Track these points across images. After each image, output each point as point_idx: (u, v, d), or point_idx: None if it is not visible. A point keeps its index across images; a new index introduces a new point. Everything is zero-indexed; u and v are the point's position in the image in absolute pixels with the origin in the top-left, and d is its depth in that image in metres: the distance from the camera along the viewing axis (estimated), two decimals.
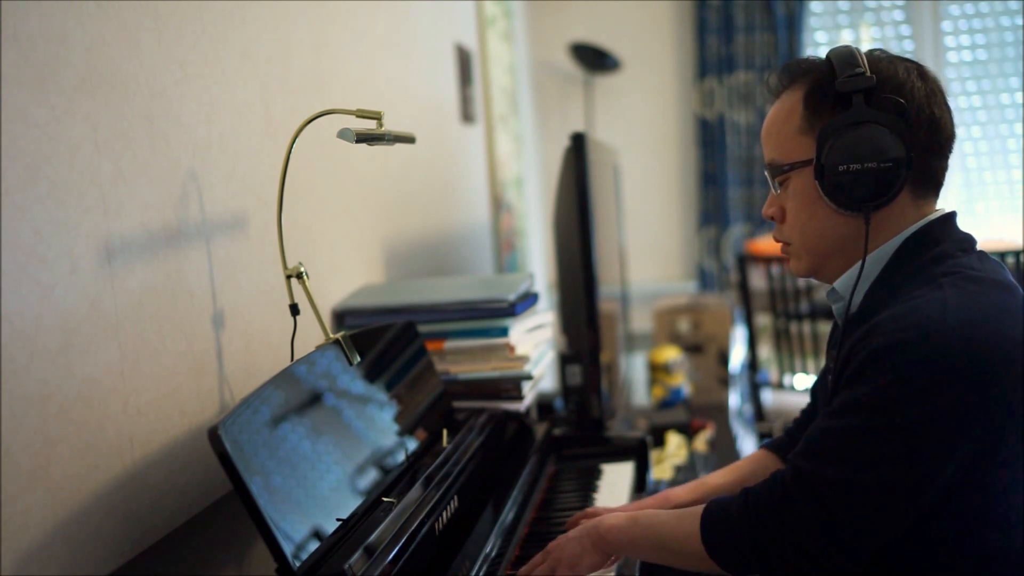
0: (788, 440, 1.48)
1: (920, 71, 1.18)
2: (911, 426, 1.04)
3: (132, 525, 1.16)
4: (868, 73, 1.15)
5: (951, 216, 1.20)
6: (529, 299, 1.85)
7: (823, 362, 1.41)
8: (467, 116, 2.99)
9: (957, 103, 4.20)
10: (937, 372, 1.04)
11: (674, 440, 2.31)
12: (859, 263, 1.18)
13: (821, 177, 1.15)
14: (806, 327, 3.19)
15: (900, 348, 1.05)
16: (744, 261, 3.38)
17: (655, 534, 1.20)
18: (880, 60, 1.18)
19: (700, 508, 1.18)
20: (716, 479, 1.48)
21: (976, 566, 1.10)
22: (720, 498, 1.17)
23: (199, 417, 1.32)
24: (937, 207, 1.22)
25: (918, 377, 1.04)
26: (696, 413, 2.67)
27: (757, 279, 3.41)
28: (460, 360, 1.73)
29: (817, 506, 1.07)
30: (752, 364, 3.41)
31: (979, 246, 1.20)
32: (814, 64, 1.21)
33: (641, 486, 1.83)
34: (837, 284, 1.23)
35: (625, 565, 1.34)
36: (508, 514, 1.43)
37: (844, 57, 1.17)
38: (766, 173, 1.25)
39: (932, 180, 1.19)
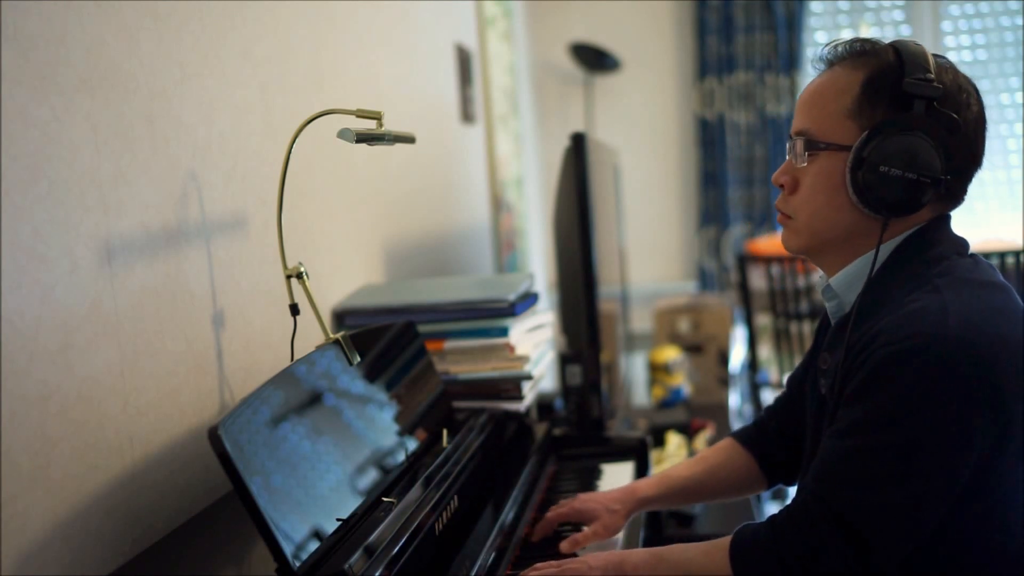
0: (757, 430, 1.47)
1: (977, 93, 1.16)
2: (925, 437, 1.04)
3: (132, 525, 1.16)
4: (936, 82, 1.12)
5: (945, 219, 1.20)
6: (529, 299, 1.85)
7: None
8: (467, 116, 2.99)
9: None
10: (944, 379, 1.03)
11: (674, 440, 2.31)
12: (857, 262, 1.18)
13: (856, 169, 1.13)
14: (806, 327, 3.19)
15: (905, 358, 1.04)
16: (744, 261, 3.38)
17: (683, 571, 1.18)
18: (946, 71, 1.15)
19: (727, 541, 1.16)
20: (681, 471, 1.47)
21: (978, 566, 1.10)
22: (747, 527, 1.16)
23: (199, 417, 1.32)
24: None
25: (926, 386, 1.04)
26: (696, 413, 2.67)
27: (757, 279, 3.41)
28: (460, 360, 1.73)
29: (847, 533, 1.06)
30: (752, 364, 3.41)
31: (980, 246, 1.20)
32: (881, 50, 1.17)
33: None
34: (833, 282, 1.22)
35: None
36: (508, 514, 1.43)
37: (915, 56, 1.13)
38: (794, 139, 1.20)
39: (953, 201, 1.19)
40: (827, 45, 1.21)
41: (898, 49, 1.15)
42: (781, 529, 1.11)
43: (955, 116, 1.12)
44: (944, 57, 1.18)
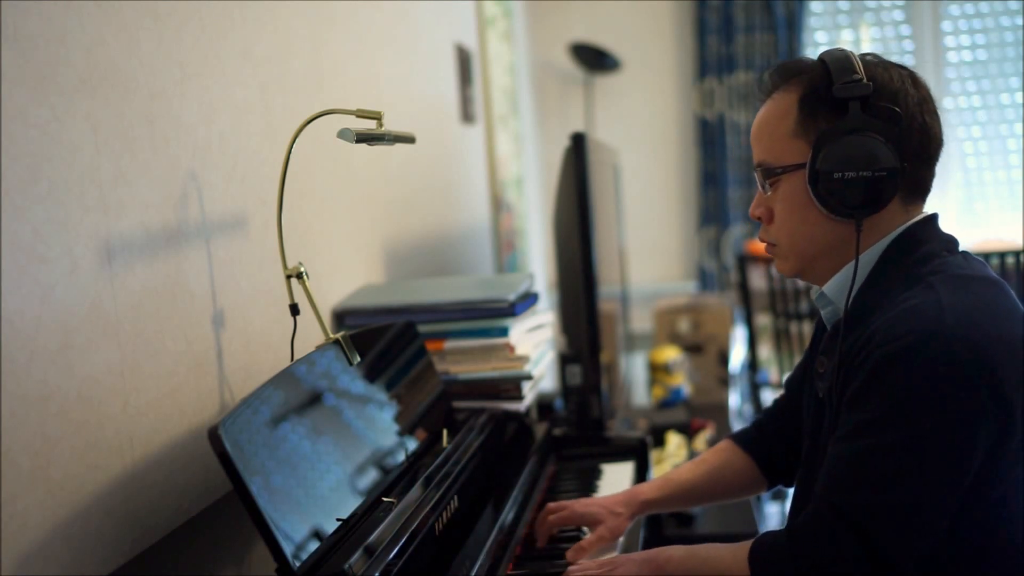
0: (756, 432, 1.47)
1: (913, 78, 1.18)
2: (930, 434, 1.04)
3: (132, 525, 1.16)
4: (865, 80, 1.14)
5: (934, 217, 1.21)
6: (529, 299, 1.85)
7: None
8: (467, 116, 2.99)
9: (957, 103, 4.20)
10: (945, 375, 1.03)
11: (674, 440, 2.31)
12: (848, 267, 1.18)
13: (815, 182, 1.15)
14: (806, 327, 3.19)
15: (904, 356, 1.05)
16: (744, 261, 3.38)
17: (711, 567, 1.19)
18: (875, 66, 1.17)
19: (752, 543, 1.17)
20: (683, 474, 1.48)
21: (981, 565, 1.10)
22: (767, 535, 1.16)
23: (199, 417, 1.32)
24: (925, 210, 1.22)
25: (926, 384, 1.04)
26: (696, 413, 2.67)
27: (757, 279, 3.41)
28: (460, 360, 1.73)
29: (860, 537, 1.06)
30: (752, 364, 3.41)
31: (980, 246, 1.20)
32: (808, 67, 1.21)
33: None
34: (826, 288, 1.22)
35: None
36: (508, 514, 1.43)
37: (840, 61, 1.17)
38: (755, 173, 1.25)
39: (921, 187, 1.20)
40: (760, 77, 1.26)
41: (824, 60, 1.19)
42: (797, 537, 1.11)
43: (894, 107, 1.14)
44: (872, 54, 1.20)
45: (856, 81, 1.14)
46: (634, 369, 3.35)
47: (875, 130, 1.13)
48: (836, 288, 1.21)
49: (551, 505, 1.45)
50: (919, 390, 1.04)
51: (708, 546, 1.23)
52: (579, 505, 1.44)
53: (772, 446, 1.44)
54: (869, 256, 1.18)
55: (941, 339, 1.04)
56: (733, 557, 1.17)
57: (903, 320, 1.07)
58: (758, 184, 1.25)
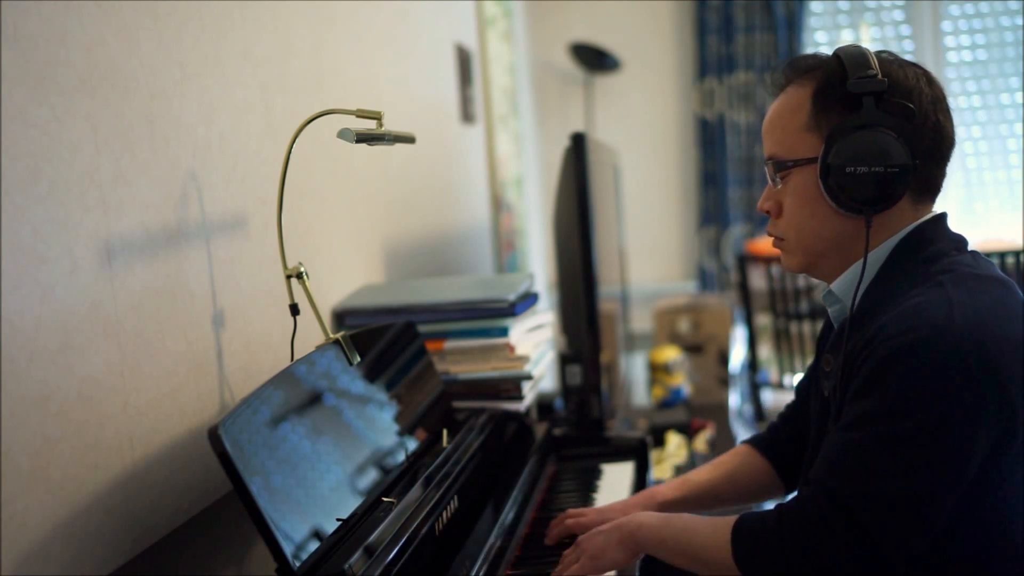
0: (771, 436, 1.47)
1: (927, 77, 1.18)
2: (932, 429, 1.04)
3: (132, 525, 1.16)
4: (880, 76, 1.14)
5: (942, 216, 1.21)
6: (529, 299, 1.85)
7: None
8: (467, 116, 2.99)
9: (957, 103, 4.20)
10: (950, 372, 1.03)
11: (674, 440, 2.31)
12: (857, 265, 1.18)
13: (826, 177, 1.15)
14: (806, 327, 3.19)
15: (910, 351, 1.05)
16: (744, 261, 3.38)
17: (686, 539, 1.19)
18: (890, 63, 1.17)
19: (734, 519, 1.16)
20: (700, 475, 1.47)
21: (979, 565, 1.10)
22: (752, 513, 1.16)
23: (199, 417, 1.32)
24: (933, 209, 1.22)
25: (931, 379, 1.04)
26: (696, 413, 2.67)
27: (757, 279, 3.41)
28: (460, 360, 1.73)
29: (852, 525, 1.05)
30: (752, 364, 3.41)
31: (980, 246, 1.20)
32: (823, 61, 1.21)
33: (641, 486, 1.82)
34: (834, 286, 1.22)
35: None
36: (508, 514, 1.43)
37: (856, 57, 1.16)
38: (766, 166, 1.24)
39: (932, 186, 1.20)
40: (773, 70, 1.26)
41: (839, 55, 1.18)
42: (787, 520, 1.11)
43: (908, 104, 1.14)
44: (888, 52, 1.20)
45: (871, 77, 1.14)
46: (634, 369, 3.35)
47: (888, 126, 1.13)
48: (844, 286, 1.21)
49: (571, 511, 1.44)
50: (923, 385, 1.04)
51: (685, 516, 1.23)
52: (596, 512, 1.42)
53: (787, 450, 1.44)
54: (878, 254, 1.18)
55: (948, 336, 1.04)
56: (713, 531, 1.16)
57: (910, 316, 1.07)
58: (768, 177, 1.24)
